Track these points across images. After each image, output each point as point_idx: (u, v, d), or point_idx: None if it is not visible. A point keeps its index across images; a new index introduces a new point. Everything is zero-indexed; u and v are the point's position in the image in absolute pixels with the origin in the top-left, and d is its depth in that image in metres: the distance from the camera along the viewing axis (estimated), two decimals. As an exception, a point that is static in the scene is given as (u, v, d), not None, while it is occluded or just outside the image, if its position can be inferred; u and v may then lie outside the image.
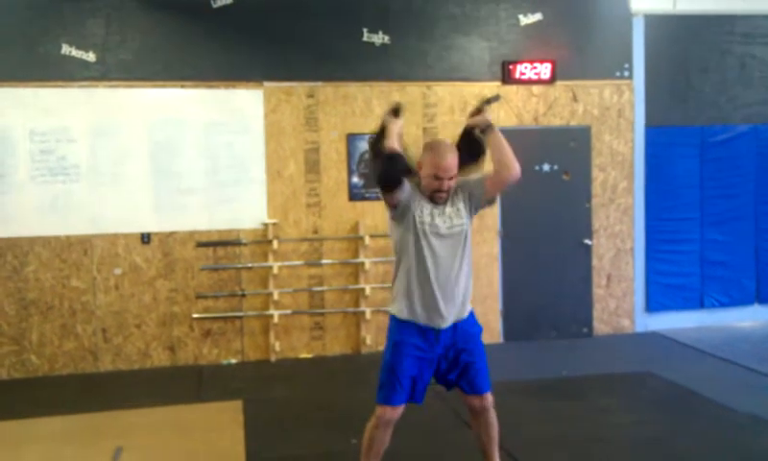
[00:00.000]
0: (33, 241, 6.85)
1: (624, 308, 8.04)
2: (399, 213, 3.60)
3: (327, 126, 7.34)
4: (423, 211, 3.59)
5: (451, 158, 3.56)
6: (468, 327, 3.73)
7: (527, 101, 7.71)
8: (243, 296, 7.22)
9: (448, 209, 3.63)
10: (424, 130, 7.47)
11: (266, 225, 7.22)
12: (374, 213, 7.29)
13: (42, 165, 6.84)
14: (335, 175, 7.37)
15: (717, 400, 5.55)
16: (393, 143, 3.60)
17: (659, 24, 7.97)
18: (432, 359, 3.64)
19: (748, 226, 8.32)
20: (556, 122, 7.79)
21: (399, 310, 3.66)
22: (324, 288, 7.36)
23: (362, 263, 7.30)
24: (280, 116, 7.25)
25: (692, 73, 8.11)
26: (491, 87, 7.59)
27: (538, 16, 7.69)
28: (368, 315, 7.27)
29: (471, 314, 3.79)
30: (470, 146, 3.80)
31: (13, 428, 5.35)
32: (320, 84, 7.32)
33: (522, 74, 7.63)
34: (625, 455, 4.62)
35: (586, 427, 5.10)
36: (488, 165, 3.81)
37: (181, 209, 7.10)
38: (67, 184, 6.88)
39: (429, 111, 7.51)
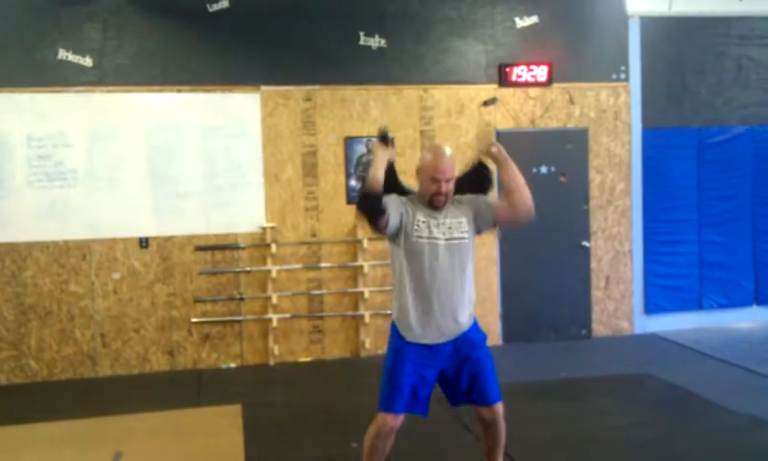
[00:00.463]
0: (31, 246, 6.85)
1: (623, 310, 8.05)
2: (393, 235, 3.57)
3: (325, 129, 7.35)
4: (420, 225, 3.54)
5: (448, 161, 3.55)
6: (471, 335, 3.67)
7: (524, 103, 7.72)
8: (241, 300, 7.22)
9: (449, 220, 3.59)
10: (421, 132, 7.47)
11: (264, 228, 7.22)
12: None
13: (40, 170, 6.84)
14: (333, 178, 7.38)
15: (716, 402, 5.55)
16: (379, 174, 3.48)
17: (654, 26, 7.99)
18: (435, 367, 3.60)
19: (745, 227, 8.33)
20: (553, 124, 7.80)
21: (397, 320, 3.65)
22: (323, 292, 7.36)
23: (360, 266, 7.30)
24: (278, 120, 7.25)
25: (688, 75, 8.13)
26: (487, 90, 7.61)
27: (534, 19, 7.70)
28: (367, 318, 7.27)
29: (474, 322, 3.74)
30: (479, 177, 3.77)
31: (12, 433, 5.34)
32: (317, 87, 7.33)
33: (519, 77, 7.64)
34: (624, 457, 4.62)
35: (584, 429, 5.10)
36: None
37: (179, 214, 7.11)
38: (65, 189, 6.88)
39: (426, 114, 7.51)
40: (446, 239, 3.56)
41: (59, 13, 6.82)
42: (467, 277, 3.64)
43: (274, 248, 7.16)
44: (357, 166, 7.42)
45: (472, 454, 4.07)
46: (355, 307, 7.40)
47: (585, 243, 7.90)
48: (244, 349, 7.26)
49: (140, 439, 5.12)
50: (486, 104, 7.60)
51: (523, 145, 7.71)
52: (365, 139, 7.41)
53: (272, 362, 7.22)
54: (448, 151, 3.62)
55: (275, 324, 7.18)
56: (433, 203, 3.57)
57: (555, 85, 7.75)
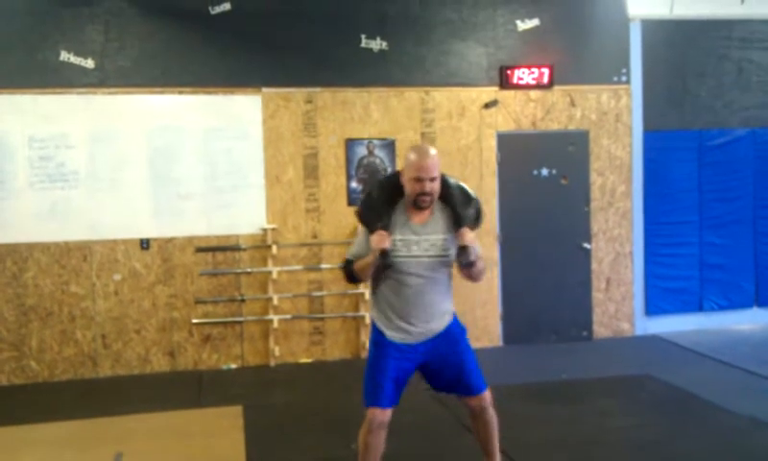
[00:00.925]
0: (32, 247, 6.86)
1: (623, 312, 8.05)
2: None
3: (326, 131, 7.36)
4: (397, 244, 3.50)
5: (431, 160, 3.48)
6: (450, 328, 3.68)
7: (525, 106, 7.73)
8: (242, 301, 7.22)
9: (432, 237, 3.55)
10: (422, 134, 7.48)
11: (265, 230, 7.23)
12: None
13: (41, 172, 6.85)
14: (334, 180, 7.39)
15: (716, 403, 5.55)
16: (367, 275, 3.59)
17: (656, 29, 8.00)
18: (415, 360, 3.65)
19: (746, 229, 8.33)
20: (554, 127, 7.81)
21: (377, 321, 3.69)
22: (324, 293, 7.37)
23: (361, 268, 7.29)
24: (279, 122, 7.27)
25: (689, 78, 8.14)
26: (488, 93, 7.62)
27: (535, 22, 7.72)
28: (367, 319, 7.27)
29: (454, 318, 3.74)
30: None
31: (13, 434, 5.33)
32: (318, 89, 7.34)
33: (520, 79, 7.65)
34: (624, 458, 4.62)
35: (585, 430, 5.10)
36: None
37: (180, 215, 7.11)
38: (66, 191, 6.89)
39: (427, 117, 7.52)
40: (428, 256, 3.55)
41: (60, 15, 6.83)
42: (445, 289, 3.67)
43: (275, 249, 7.17)
44: (358, 168, 7.43)
45: (472, 454, 4.06)
46: (356, 309, 7.41)
47: (585, 245, 7.91)
48: (245, 350, 7.27)
49: (141, 440, 5.12)
50: (487, 106, 7.61)
51: (524, 147, 7.75)
52: (366, 141, 7.42)
53: (272, 363, 7.23)
54: (432, 150, 3.56)
55: (275, 325, 7.19)
56: (418, 204, 3.51)
57: (556, 88, 7.75)
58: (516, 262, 7.77)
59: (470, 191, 3.71)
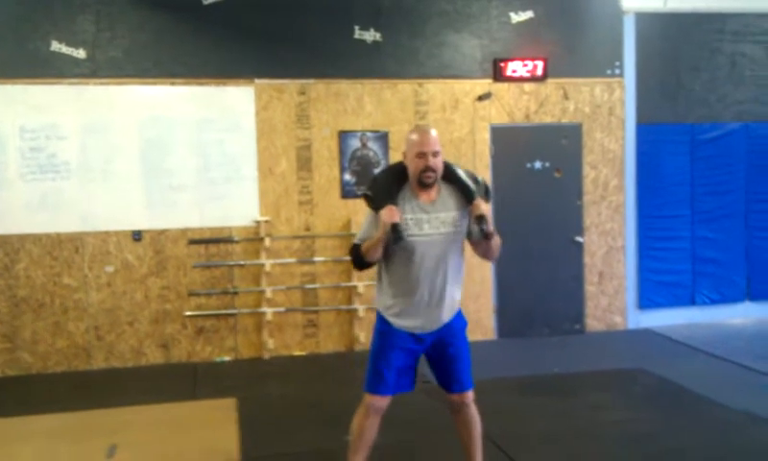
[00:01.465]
0: (23, 238, 6.82)
1: (616, 305, 8.08)
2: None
3: (319, 123, 7.34)
4: (408, 223, 3.49)
5: (433, 136, 3.51)
6: (453, 322, 3.68)
7: (518, 98, 7.73)
8: (235, 293, 7.21)
9: (442, 215, 3.53)
10: (420, 124, 7.46)
11: (258, 222, 7.21)
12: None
13: (32, 162, 6.81)
14: (327, 172, 7.37)
15: (708, 397, 5.58)
16: (376, 256, 3.54)
17: (649, 22, 8.00)
18: (419, 350, 3.66)
19: (738, 223, 8.37)
20: (547, 120, 7.81)
21: (383, 310, 3.66)
22: (317, 286, 7.36)
23: (354, 261, 7.29)
24: (272, 114, 7.24)
25: (683, 71, 8.15)
26: (482, 85, 7.62)
27: (529, 14, 7.71)
28: (361, 312, 7.28)
29: (459, 310, 3.74)
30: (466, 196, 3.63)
31: (7, 426, 5.31)
32: (311, 81, 7.31)
33: (514, 71, 7.64)
34: (616, 451, 4.64)
35: (577, 423, 5.12)
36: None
37: (173, 207, 7.09)
38: (57, 182, 6.85)
39: (421, 109, 7.51)
40: (439, 233, 3.53)
41: (51, 5, 6.78)
42: (456, 268, 3.64)
43: (268, 242, 7.15)
44: (351, 160, 7.41)
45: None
46: (349, 301, 7.40)
47: (578, 238, 7.92)
48: (238, 342, 7.26)
49: (135, 431, 5.11)
50: (480, 99, 7.60)
51: (517, 140, 7.75)
52: (359, 133, 7.40)
53: (266, 356, 7.22)
54: (432, 129, 3.61)
55: (269, 317, 7.18)
56: (423, 181, 3.49)
57: (549, 81, 7.75)
58: (508, 256, 7.72)
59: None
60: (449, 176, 3.61)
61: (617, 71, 7.95)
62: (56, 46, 6.80)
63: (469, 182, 3.59)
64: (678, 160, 8.18)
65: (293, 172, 7.30)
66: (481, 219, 3.47)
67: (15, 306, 6.82)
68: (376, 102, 7.43)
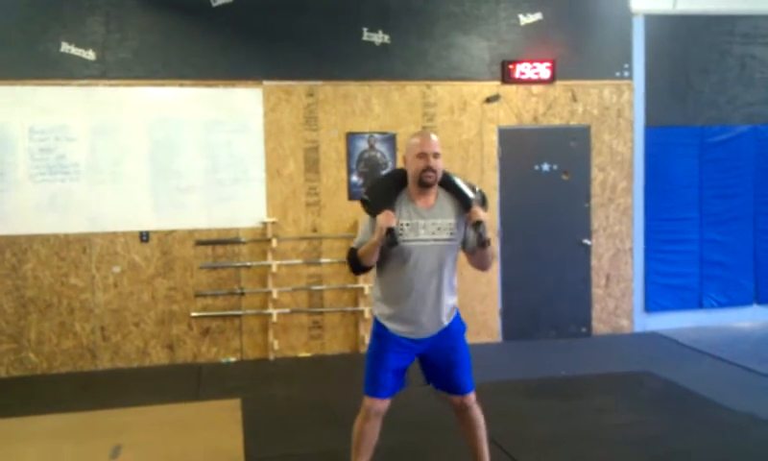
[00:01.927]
0: (31, 239, 6.85)
1: (623, 308, 8.04)
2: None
3: (327, 125, 7.34)
4: (404, 229, 3.51)
5: (434, 139, 3.55)
6: (451, 326, 3.69)
7: (527, 100, 7.71)
8: (242, 294, 7.22)
9: (439, 221, 3.55)
10: (423, 129, 7.46)
11: (265, 223, 7.22)
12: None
13: (41, 163, 6.84)
14: (334, 174, 7.38)
15: (715, 400, 5.55)
16: (372, 261, 3.58)
17: (659, 24, 7.97)
18: (416, 352, 3.67)
19: (747, 226, 8.32)
20: (555, 122, 7.79)
21: (379, 316, 3.70)
22: (323, 287, 7.36)
23: (361, 262, 7.29)
24: (280, 115, 7.25)
25: (692, 73, 8.11)
26: (490, 87, 7.61)
27: (537, 16, 7.69)
28: (366, 314, 7.28)
29: (456, 313, 3.75)
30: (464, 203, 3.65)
31: (12, 426, 5.34)
32: (319, 83, 7.32)
33: (522, 74, 7.62)
34: (623, 454, 4.61)
35: (583, 426, 5.10)
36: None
37: (180, 208, 7.10)
38: (66, 183, 6.88)
39: (429, 111, 7.50)
40: (434, 240, 3.54)
41: (61, 7, 6.81)
42: (451, 275, 3.66)
43: (274, 243, 7.16)
44: (359, 162, 7.41)
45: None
46: (355, 303, 7.40)
47: (586, 241, 7.89)
48: (244, 343, 7.27)
49: (140, 432, 5.12)
50: (489, 101, 7.59)
51: (525, 142, 7.74)
52: (367, 135, 7.40)
53: (271, 357, 7.23)
54: (433, 134, 3.63)
55: (275, 319, 7.18)
56: (423, 180, 3.51)
57: (558, 83, 7.73)
58: (515, 257, 7.76)
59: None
60: (447, 184, 3.64)
61: (626, 73, 7.92)
62: (65, 47, 6.83)
63: (467, 190, 3.61)
64: (686, 163, 8.14)
65: (300, 173, 7.31)
66: (479, 225, 3.50)
67: (22, 307, 6.85)
68: (384, 104, 7.43)
